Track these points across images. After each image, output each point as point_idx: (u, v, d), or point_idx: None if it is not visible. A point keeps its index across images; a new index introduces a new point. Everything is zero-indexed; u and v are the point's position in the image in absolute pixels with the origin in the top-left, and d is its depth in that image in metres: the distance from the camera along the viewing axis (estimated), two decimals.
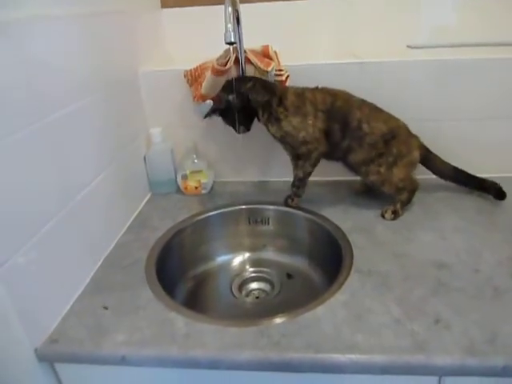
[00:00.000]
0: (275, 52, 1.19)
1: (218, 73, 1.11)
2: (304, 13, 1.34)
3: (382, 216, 1.13)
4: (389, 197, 1.14)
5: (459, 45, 1.25)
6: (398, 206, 1.12)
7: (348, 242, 1.03)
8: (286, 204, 1.19)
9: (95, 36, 0.99)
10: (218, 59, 1.12)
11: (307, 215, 1.16)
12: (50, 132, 0.81)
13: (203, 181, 1.29)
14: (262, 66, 1.15)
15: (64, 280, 0.86)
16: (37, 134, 0.77)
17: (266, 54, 1.18)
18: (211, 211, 1.22)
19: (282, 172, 1.30)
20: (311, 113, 1.07)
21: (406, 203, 1.14)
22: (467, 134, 1.25)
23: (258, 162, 1.36)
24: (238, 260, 1.24)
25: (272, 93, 1.08)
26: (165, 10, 1.39)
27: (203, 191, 1.31)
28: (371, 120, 1.08)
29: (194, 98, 1.22)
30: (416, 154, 1.12)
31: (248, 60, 1.15)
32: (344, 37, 1.35)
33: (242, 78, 1.11)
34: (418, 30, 1.35)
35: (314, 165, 1.12)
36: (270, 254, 1.24)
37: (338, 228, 1.09)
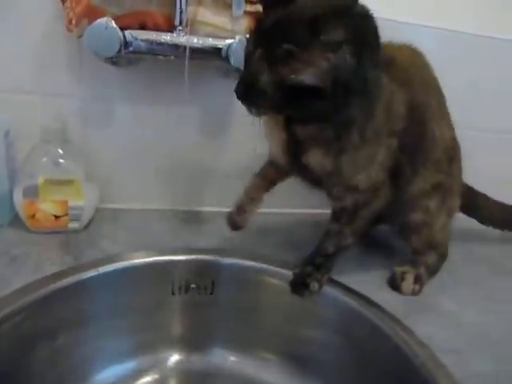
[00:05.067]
0: None
1: None
2: None
3: (394, 285, 0.60)
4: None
5: None
6: (423, 270, 0.62)
7: None
8: (301, 293, 0.56)
9: None
10: None
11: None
12: None
13: (74, 203, 0.62)
14: None
15: None
16: None
17: None
18: (90, 269, 0.55)
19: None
20: (386, 139, 0.51)
21: (433, 271, 0.63)
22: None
23: (195, 172, 0.75)
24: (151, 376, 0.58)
25: (366, 104, 0.48)
26: None
27: (72, 224, 0.63)
28: (440, 121, 0.59)
29: (70, 22, 0.57)
30: (458, 200, 0.66)
31: None
32: None
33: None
34: None
35: (361, 230, 0.56)
36: (221, 358, 0.62)
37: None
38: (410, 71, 0.56)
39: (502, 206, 0.75)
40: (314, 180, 0.55)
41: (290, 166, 0.56)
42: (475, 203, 0.74)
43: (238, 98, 0.45)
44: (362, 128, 0.49)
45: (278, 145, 0.53)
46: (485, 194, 0.75)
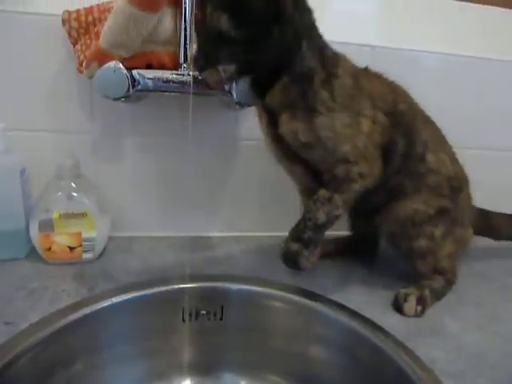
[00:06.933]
0: None
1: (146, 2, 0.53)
2: None
3: (397, 306, 0.61)
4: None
5: None
6: (427, 292, 0.62)
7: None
8: (299, 266, 0.58)
9: None
10: None
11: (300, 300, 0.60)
12: None
13: (87, 234, 0.65)
14: None
15: None
16: None
17: None
18: (103, 300, 0.57)
19: (248, 218, 0.74)
20: (368, 111, 0.55)
21: (440, 295, 0.64)
22: None
23: (203, 199, 0.77)
24: None
25: (321, 56, 0.54)
26: None
27: (86, 255, 0.66)
28: (438, 149, 0.62)
29: (81, 64, 0.61)
30: (470, 231, 0.69)
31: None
32: None
33: None
34: None
35: (350, 203, 0.58)
36: (232, 383, 0.63)
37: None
38: (391, 83, 0.61)
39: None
40: (305, 164, 0.58)
41: (275, 147, 0.59)
42: (488, 223, 0.74)
43: (201, 63, 0.50)
44: (328, 87, 0.52)
45: (263, 124, 0.60)
46: (493, 211, 0.75)
